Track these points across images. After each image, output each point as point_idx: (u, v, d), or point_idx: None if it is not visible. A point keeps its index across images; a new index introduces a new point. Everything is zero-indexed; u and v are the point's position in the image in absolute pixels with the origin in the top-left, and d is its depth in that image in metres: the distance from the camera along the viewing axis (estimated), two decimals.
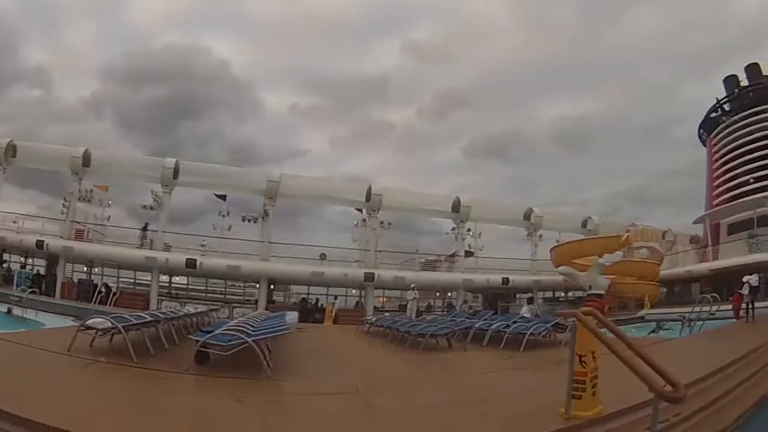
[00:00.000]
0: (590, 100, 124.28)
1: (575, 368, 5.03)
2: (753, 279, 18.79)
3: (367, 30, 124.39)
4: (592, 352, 5.12)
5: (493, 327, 15.35)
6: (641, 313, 32.94)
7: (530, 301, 23.11)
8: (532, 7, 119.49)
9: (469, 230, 41.96)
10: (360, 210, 39.49)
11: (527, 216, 44.16)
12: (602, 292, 33.48)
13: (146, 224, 35.80)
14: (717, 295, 18.54)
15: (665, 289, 41.03)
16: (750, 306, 18.54)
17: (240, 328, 9.63)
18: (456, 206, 41.11)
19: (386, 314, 28.89)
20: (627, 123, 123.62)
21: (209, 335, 9.02)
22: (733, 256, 36.80)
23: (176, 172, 35.03)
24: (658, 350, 11.94)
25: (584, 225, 47.48)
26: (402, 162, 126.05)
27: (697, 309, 17.72)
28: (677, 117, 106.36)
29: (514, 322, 15.60)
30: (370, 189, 38.33)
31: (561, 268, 34.33)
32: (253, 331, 9.59)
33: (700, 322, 17.18)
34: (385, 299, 40.11)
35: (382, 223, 39.34)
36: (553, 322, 15.04)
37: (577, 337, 5.19)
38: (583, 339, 5.14)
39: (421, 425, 5.62)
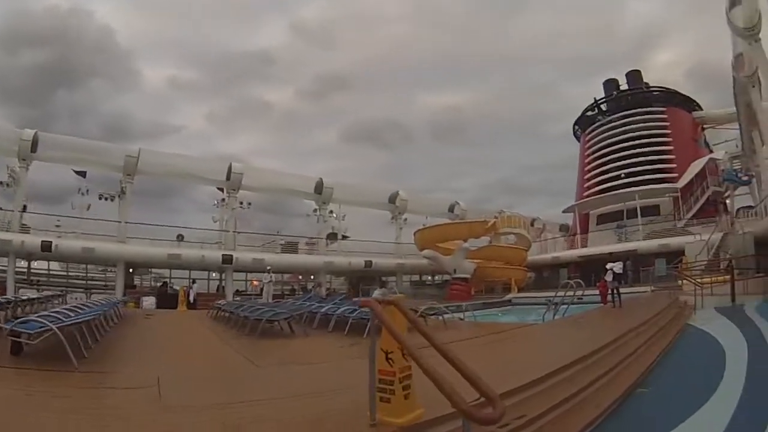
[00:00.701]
0: (470, 93, 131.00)
1: (381, 366, 4.30)
2: (616, 266, 18.55)
3: (256, 3, 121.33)
4: (400, 348, 4.21)
5: (338, 312, 14.69)
6: (508, 296, 33.14)
7: (383, 284, 21.02)
8: None
9: (331, 212, 41.02)
10: (221, 189, 37.48)
11: (392, 199, 44.24)
12: (467, 275, 36.33)
13: (24, 206, 31.47)
14: (581, 281, 18.77)
15: (533, 274, 41.68)
16: (616, 292, 18.27)
17: (52, 314, 9.16)
18: (319, 187, 40.15)
19: (237, 298, 28.52)
20: (504, 117, 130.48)
21: (16, 322, 8.53)
22: (601, 244, 37.89)
23: (34, 144, 30.84)
24: (519, 336, 12.00)
25: (451, 210, 48.40)
26: (278, 143, 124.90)
27: (561, 293, 17.95)
28: (555, 115, 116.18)
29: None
30: (230, 167, 36.41)
31: (425, 252, 37.32)
32: (67, 317, 9.17)
33: (565, 306, 17.49)
34: (257, 282, 37.97)
35: (242, 203, 37.65)
36: None
37: (383, 331, 4.34)
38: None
39: (199, 427, 4.74)
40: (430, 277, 46.40)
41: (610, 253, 21.06)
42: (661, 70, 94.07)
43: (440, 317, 15.85)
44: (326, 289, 37.51)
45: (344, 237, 41.84)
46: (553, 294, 19.09)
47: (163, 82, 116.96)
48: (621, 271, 18.83)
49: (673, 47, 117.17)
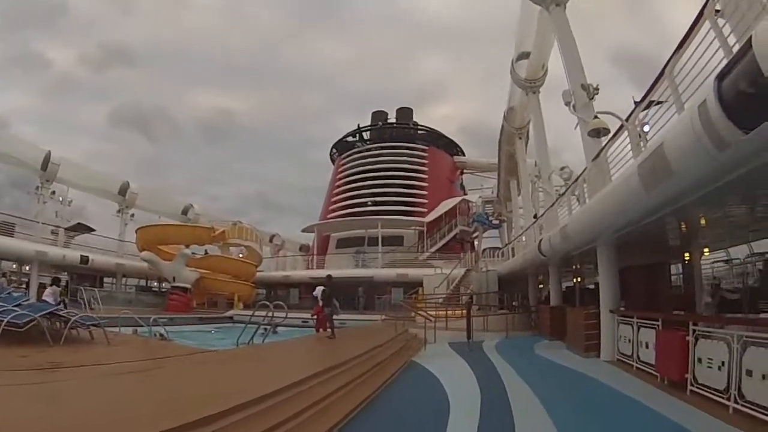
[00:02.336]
0: (246, 102, 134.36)
1: None
2: (317, 291, 17.05)
3: None
4: None
5: None
6: (230, 312, 31.51)
7: (56, 281, 17.42)
8: None
9: (53, 193, 36.47)
10: None
11: (122, 191, 40.82)
12: (188, 285, 33.09)
13: None
14: (283, 303, 16.60)
15: (263, 291, 39.06)
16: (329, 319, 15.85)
17: None
18: (45, 162, 34.43)
19: None
20: (274, 133, 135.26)
21: None
22: (339, 268, 35.77)
23: None
24: (178, 366, 9.14)
25: (185, 212, 45.93)
26: (45, 109, 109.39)
27: (261, 314, 15.88)
28: (321, 142, 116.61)
29: (20, 305, 11.96)
30: None
31: (143, 254, 33.62)
32: None
33: (265, 330, 15.05)
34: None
35: None
36: (46, 311, 11.63)
37: None
38: None
39: None
40: (156, 283, 41.72)
41: (329, 276, 17.31)
42: (438, 121, 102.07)
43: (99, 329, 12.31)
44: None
45: (87, 229, 38.04)
46: (263, 314, 16.15)
47: None
48: (318, 295, 16.73)
49: (451, 104, 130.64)
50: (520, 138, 29.85)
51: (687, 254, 13.11)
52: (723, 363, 6.38)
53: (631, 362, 9.89)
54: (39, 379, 6.77)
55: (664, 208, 8.31)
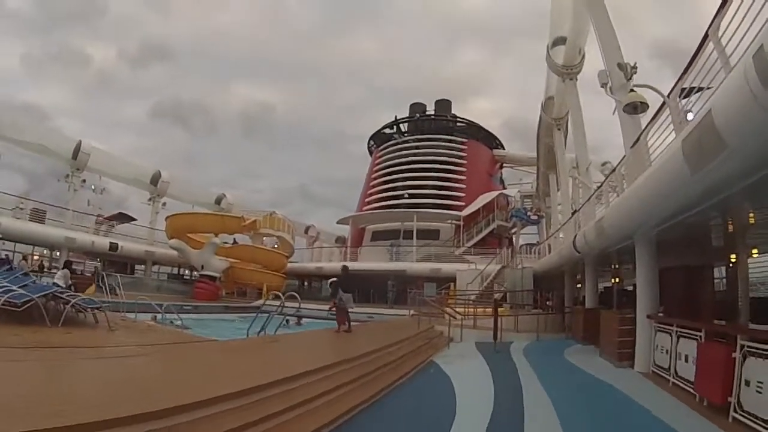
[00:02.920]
0: (285, 96, 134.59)
1: None
2: (329, 283, 16.26)
3: None
4: None
5: None
6: (257, 303, 29.21)
7: (67, 265, 17.86)
8: None
9: (84, 181, 36.15)
10: None
11: (154, 180, 40.78)
12: (216, 274, 33.17)
13: None
14: (297, 294, 16.16)
15: (297, 282, 39.86)
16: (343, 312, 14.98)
17: None
18: (75, 152, 34.54)
19: None
20: (313, 127, 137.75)
21: None
22: (372, 260, 35.56)
23: None
24: (170, 355, 8.82)
25: (218, 202, 45.83)
26: (87, 105, 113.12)
27: (273, 304, 14.98)
28: (359, 136, 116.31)
29: (25, 285, 11.81)
30: None
31: (172, 242, 33.51)
32: None
33: (281, 319, 14.14)
34: (37, 257, 32.03)
35: None
36: (47, 291, 11.48)
37: None
38: None
39: None
40: (187, 272, 41.56)
41: (344, 267, 15.95)
42: (480, 116, 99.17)
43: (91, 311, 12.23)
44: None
45: (127, 218, 38.92)
46: (276, 304, 15.07)
47: None
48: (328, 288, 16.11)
49: (494, 98, 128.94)
50: (559, 129, 28.66)
51: (733, 255, 11.48)
52: None
53: (667, 376, 8.55)
54: (15, 358, 6.72)
55: (712, 197, 6.93)
